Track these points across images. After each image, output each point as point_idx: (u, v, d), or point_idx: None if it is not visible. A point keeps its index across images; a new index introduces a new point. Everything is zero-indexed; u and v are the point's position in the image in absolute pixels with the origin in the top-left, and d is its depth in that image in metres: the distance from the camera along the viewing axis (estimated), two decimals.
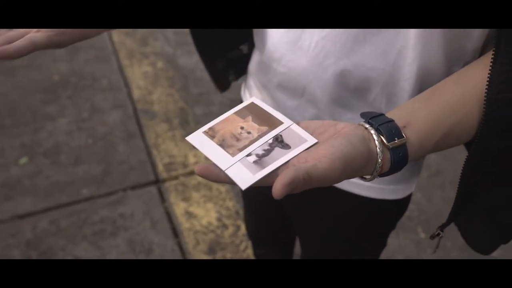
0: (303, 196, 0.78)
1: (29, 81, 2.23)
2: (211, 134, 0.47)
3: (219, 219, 1.68)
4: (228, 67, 0.86)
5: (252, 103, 0.51)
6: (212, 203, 1.74)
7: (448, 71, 0.57)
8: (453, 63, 0.57)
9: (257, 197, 0.96)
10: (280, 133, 0.46)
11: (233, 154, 0.44)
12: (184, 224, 1.65)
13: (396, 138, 0.45)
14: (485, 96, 0.47)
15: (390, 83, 0.58)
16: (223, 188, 1.79)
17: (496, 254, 0.77)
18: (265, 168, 0.43)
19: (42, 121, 2.03)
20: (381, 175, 0.47)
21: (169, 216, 1.68)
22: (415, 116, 0.49)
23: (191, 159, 1.90)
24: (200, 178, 1.82)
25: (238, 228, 1.66)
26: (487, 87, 0.47)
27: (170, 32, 2.64)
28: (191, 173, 1.84)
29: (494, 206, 0.59)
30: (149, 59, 2.43)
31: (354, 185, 0.71)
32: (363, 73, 0.58)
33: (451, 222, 0.62)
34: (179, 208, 1.71)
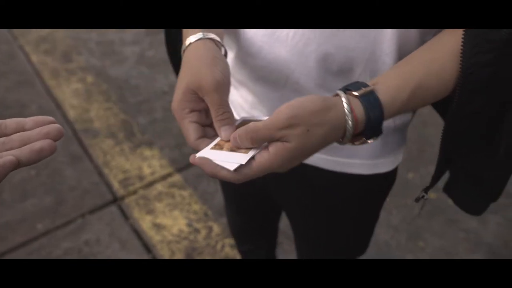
0: (292, 181, 0.78)
1: None
2: (218, 148, 0.50)
3: (189, 225, 1.65)
4: None
5: (243, 120, 0.55)
6: (178, 210, 1.69)
7: (422, 41, 0.59)
8: (426, 33, 0.59)
9: (243, 190, 0.94)
10: None
11: (246, 152, 0.48)
12: (154, 237, 1.60)
13: (362, 87, 0.48)
14: (460, 60, 0.50)
15: (372, 60, 0.59)
16: (185, 192, 1.75)
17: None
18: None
19: None
20: (366, 135, 0.49)
21: (137, 233, 1.62)
22: (383, 76, 0.51)
23: (146, 170, 1.83)
24: (160, 188, 1.77)
25: (210, 229, 1.63)
26: (461, 50, 0.50)
27: (93, 43, 2.51)
28: (149, 184, 1.78)
29: (476, 166, 0.63)
30: (77, 75, 2.31)
31: (344, 165, 0.72)
32: (345, 55, 0.59)
33: (434, 184, 0.65)
34: (145, 222, 1.65)
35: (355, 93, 0.48)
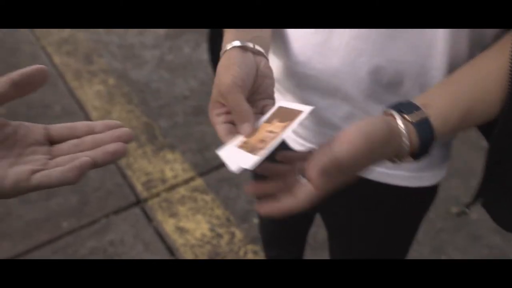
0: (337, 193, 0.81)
1: None
2: (242, 146, 0.52)
3: (212, 229, 1.67)
4: None
5: (279, 107, 0.55)
6: (200, 214, 1.72)
7: (471, 55, 0.61)
8: (475, 48, 0.61)
9: None
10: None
11: (260, 154, 0.49)
12: (178, 240, 1.63)
13: (414, 111, 0.50)
14: (509, 77, 0.52)
15: (422, 74, 0.61)
16: (208, 197, 1.78)
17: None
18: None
19: None
20: (415, 157, 0.52)
21: (161, 235, 1.65)
22: (432, 96, 0.54)
23: (169, 173, 1.86)
24: (183, 191, 1.80)
25: (233, 235, 1.66)
26: (510, 68, 0.52)
27: (114, 46, 2.55)
28: (172, 187, 1.81)
29: None
30: (99, 77, 2.34)
31: (389, 176, 0.75)
32: (396, 68, 0.61)
33: (475, 201, 0.67)
34: (168, 225, 1.68)
35: (410, 119, 0.50)
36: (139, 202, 1.76)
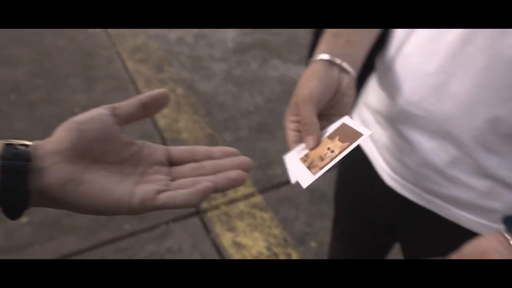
0: (431, 231, 0.78)
1: (49, 116, 2.19)
2: (304, 159, 0.56)
3: (268, 248, 1.67)
4: None
5: (343, 124, 0.57)
6: (258, 231, 1.73)
7: None
8: None
9: (362, 222, 0.93)
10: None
11: (314, 173, 0.52)
12: (234, 255, 1.64)
13: None
14: None
15: None
16: (266, 214, 1.78)
17: None
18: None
19: None
20: None
21: (218, 248, 1.66)
22: None
23: None
24: (242, 206, 1.81)
25: (289, 256, 1.65)
26: None
27: (183, 57, 2.63)
28: (232, 201, 1.83)
29: None
30: (168, 85, 2.42)
31: (493, 230, 0.71)
32: None
33: None
34: (226, 239, 1.69)
35: None
36: (198, 212, 1.78)
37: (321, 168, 0.51)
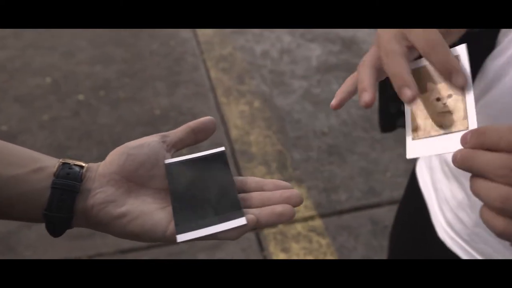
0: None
1: (131, 114, 2.31)
2: (420, 134, 0.41)
3: None
4: (399, 114, 0.78)
5: (423, 67, 0.42)
6: (312, 256, 1.67)
7: None
8: None
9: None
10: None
11: (466, 127, 0.38)
12: None
13: None
14: None
15: None
16: (323, 240, 1.72)
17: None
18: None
19: None
20: None
21: None
22: None
23: None
24: (299, 228, 1.76)
25: None
26: None
27: (266, 70, 2.65)
28: (290, 222, 1.79)
29: None
30: (246, 97, 2.44)
31: None
32: None
33: None
34: (278, 258, 1.66)
35: None
36: (255, 228, 1.76)
37: (463, 117, 0.38)
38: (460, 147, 0.36)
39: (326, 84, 2.54)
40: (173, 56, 2.75)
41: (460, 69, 0.39)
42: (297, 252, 1.68)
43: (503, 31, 0.62)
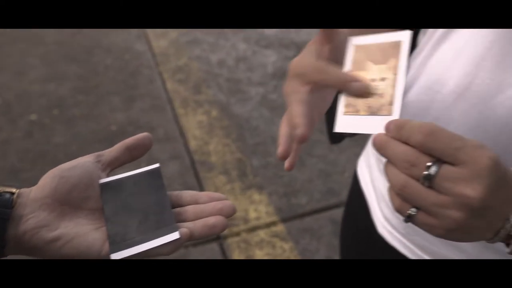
0: None
1: (88, 132, 2.27)
2: (350, 110, 0.44)
3: None
4: None
5: (356, 46, 0.45)
6: None
7: None
8: None
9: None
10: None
11: (390, 112, 0.41)
12: None
13: None
14: None
15: None
16: (286, 245, 1.74)
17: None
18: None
19: None
20: None
21: None
22: None
23: (252, 214, 1.86)
24: (262, 235, 1.77)
25: None
26: None
27: (222, 79, 2.66)
28: (253, 228, 1.80)
29: None
30: (203, 107, 2.45)
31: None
32: None
33: None
34: None
35: None
36: (218, 238, 1.77)
37: (391, 103, 0.41)
38: (382, 130, 0.40)
39: (282, 90, 2.57)
40: (128, 69, 2.73)
41: (353, 79, 0.43)
42: (261, 258, 1.69)
43: (422, 30, 0.66)
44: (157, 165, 0.47)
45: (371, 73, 0.43)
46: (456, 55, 0.54)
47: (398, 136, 0.39)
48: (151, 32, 3.09)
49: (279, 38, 3.01)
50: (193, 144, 2.20)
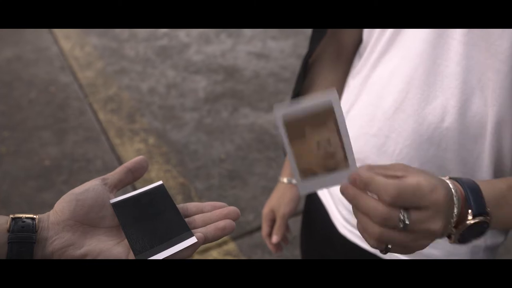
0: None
1: (18, 169, 2.17)
2: (308, 174, 0.46)
3: None
4: None
5: (284, 122, 0.45)
6: None
7: None
8: None
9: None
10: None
11: (347, 166, 0.45)
12: None
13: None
14: None
15: None
16: None
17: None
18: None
19: (40, 210, 1.96)
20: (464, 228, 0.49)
21: None
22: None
23: None
24: (215, 254, 1.81)
25: None
26: None
27: (155, 106, 2.67)
28: (205, 250, 1.83)
29: None
30: (140, 135, 2.44)
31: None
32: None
33: None
34: None
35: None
36: (204, 244, 1.77)
37: (346, 157, 0.45)
38: (344, 181, 0.45)
39: (216, 113, 2.65)
40: (55, 102, 2.65)
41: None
42: None
43: (357, 55, 0.77)
44: (160, 182, 0.52)
45: (315, 137, 0.45)
46: (390, 75, 0.66)
47: (368, 191, 0.44)
48: (75, 62, 3.02)
49: (207, 64, 3.09)
50: None
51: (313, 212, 0.92)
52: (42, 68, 2.94)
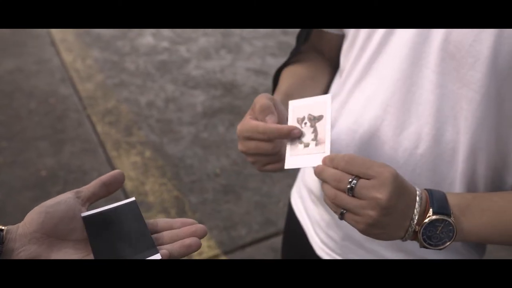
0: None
1: (15, 179, 2.18)
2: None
3: None
4: None
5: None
6: None
7: (491, 187, 0.65)
8: (496, 180, 0.65)
9: None
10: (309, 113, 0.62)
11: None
12: None
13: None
14: None
15: None
16: None
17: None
18: (325, 143, 0.58)
19: None
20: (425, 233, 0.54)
21: None
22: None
23: None
24: None
25: None
26: None
27: (153, 120, 2.70)
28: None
29: None
30: (136, 148, 2.46)
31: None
32: None
33: None
34: None
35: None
36: None
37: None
38: (320, 163, 0.57)
39: (213, 128, 2.67)
40: (54, 114, 2.68)
41: (291, 128, 0.60)
42: None
43: (337, 75, 0.78)
44: (133, 198, 0.54)
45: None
46: (367, 102, 0.67)
47: (330, 165, 0.55)
48: (75, 75, 3.06)
49: (206, 79, 3.13)
50: (129, 185, 2.20)
51: (292, 231, 0.93)
52: (43, 80, 2.98)
